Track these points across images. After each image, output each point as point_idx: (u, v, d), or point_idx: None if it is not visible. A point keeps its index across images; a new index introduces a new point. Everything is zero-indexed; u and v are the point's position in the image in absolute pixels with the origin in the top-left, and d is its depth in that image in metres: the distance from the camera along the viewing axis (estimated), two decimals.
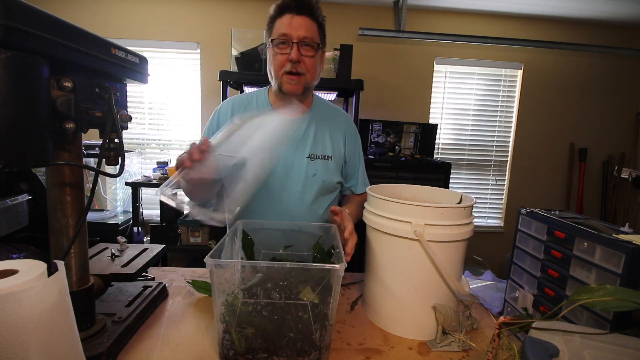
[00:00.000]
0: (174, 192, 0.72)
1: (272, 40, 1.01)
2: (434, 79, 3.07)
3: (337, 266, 0.63)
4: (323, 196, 1.12)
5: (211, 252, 0.66)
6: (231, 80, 2.34)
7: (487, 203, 3.31)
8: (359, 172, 1.20)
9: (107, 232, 2.36)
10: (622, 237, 0.67)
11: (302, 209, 1.08)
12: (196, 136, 3.02)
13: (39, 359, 0.41)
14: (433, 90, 3.08)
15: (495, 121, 3.20)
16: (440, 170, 2.52)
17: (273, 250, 0.93)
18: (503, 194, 3.29)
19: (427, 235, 0.74)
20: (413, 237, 0.74)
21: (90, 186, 0.60)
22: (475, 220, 0.83)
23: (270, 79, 1.07)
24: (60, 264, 0.46)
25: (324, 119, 1.13)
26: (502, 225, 3.29)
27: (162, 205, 2.62)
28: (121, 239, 0.94)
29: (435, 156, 3.07)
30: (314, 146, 1.09)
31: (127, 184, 2.51)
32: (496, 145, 3.23)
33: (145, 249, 0.95)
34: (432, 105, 3.10)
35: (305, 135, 1.10)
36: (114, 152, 0.63)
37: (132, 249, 0.94)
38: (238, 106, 1.11)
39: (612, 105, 3.20)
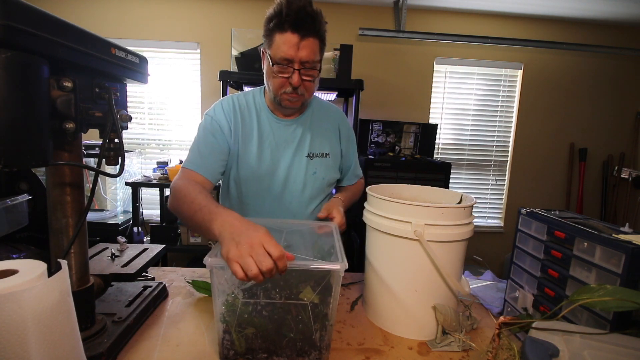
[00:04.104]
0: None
1: (270, 57, 0.96)
2: (434, 79, 3.07)
3: (337, 266, 0.63)
4: (321, 192, 1.16)
5: (210, 252, 0.66)
6: (231, 80, 2.34)
7: (487, 203, 3.30)
8: (354, 165, 1.26)
9: (107, 232, 2.36)
10: (622, 237, 0.67)
11: (302, 207, 1.12)
12: None
13: (40, 359, 0.41)
14: (433, 90, 3.08)
15: (495, 121, 3.19)
16: (440, 170, 2.52)
17: None
18: (503, 194, 3.29)
19: (427, 235, 0.74)
20: (413, 237, 0.74)
21: (90, 186, 0.60)
22: (475, 220, 0.83)
23: (267, 88, 1.06)
24: (64, 264, 0.46)
25: (320, 117, 1.17)
26: (502, 225, 3.29)
27: (162, 205, 2.62)
28: (121, 239, 0.94)
29: (435, 156, 3.06)
30: (312, 145, 1.12)
31: (127, 184, 2.51)
32: (496, 145, 3.22)
33: (145, 249, 0.95)
34: (432, 105, 3.10)
35: (304, 135, 1.12)
36: (114, 152, 0.63)
37: (132, 249, 0.94)
38: (237, 106, 1.10)
39: (612, 105, 3.20)
